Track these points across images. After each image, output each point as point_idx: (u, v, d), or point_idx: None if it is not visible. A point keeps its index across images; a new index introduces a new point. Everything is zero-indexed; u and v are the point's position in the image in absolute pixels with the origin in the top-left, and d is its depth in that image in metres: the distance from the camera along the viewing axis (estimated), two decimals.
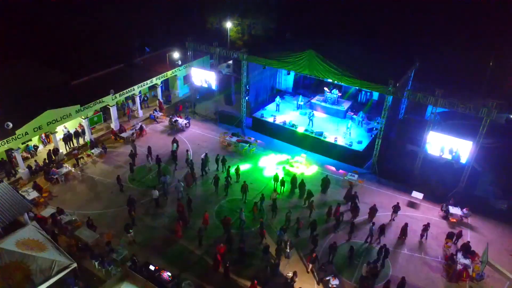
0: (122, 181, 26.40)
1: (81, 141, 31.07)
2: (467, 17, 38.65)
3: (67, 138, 29.99)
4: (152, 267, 19.59)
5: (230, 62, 44.21)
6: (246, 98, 34.11)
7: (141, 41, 40.02)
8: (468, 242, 21.84)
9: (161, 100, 37.53)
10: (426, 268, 21.45)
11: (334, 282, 19.31)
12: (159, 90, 37.21)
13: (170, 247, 22.24)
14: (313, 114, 33.07)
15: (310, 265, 20.67)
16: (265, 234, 22.46)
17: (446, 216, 24.90)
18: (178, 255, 21.76)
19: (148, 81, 35.27)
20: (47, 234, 20.23)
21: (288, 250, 21.20)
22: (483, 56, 38.64)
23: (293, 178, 26.66)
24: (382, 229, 22.50)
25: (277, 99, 36.00)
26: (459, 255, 21.25)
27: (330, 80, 30.11)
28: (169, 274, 19.36)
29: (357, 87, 30.63)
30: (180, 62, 38.28)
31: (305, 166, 29.78)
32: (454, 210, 24.72)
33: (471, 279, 20.42)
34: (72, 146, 30.35)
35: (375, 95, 39.62)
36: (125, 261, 20.53)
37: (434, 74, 35.86)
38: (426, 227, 22.59)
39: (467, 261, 20.83)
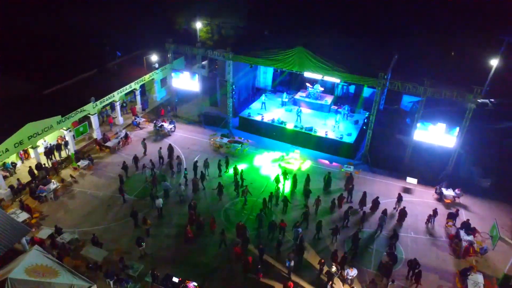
0: (125, 191, 25.15)
1: (63, 154, 28.95)
2: (433, 12, 41.10)
3: (49, 152, 27.80)
4: (175, 279, 18.82)
5: (205, 62, 43.40)
6: (233, 98, 33.75)
7: (111, 45, 37.97)
8: (468, 220, 23.36)
9: (140, 105, 36.01)
10: (434, 248, 22.66)
11: (352, 273, 19.65)
12: (138, 95, 35.64)
13: (184, 256, 21.49)
14: (300, 110, 33.47)
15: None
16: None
17: (440, 198, 26.45)
18: (195, 263, 21.09)
19: (127, 86, 33.66)
20: (54, 258, 18.77)
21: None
22: (446, 47, 41.42)
23: (294, 176, 26.82)
24: (385, 214, 23.40)
25: (263, 97, 35.99)
26: (462, 233, 22.70)
27: (319, 76, 30.66)
28: (195, 284, 18.74)
29: (347, 81, 31.22)
30: (157, 65, 36.94)
31: (300, 162, 30.10)
32: (447, 192, 26.33)
33: (476, 254, 21.92)
34: (54, 159, 28.18)
35: (352, 88, 41.11)
36: (142, 277, 19.54)
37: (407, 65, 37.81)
38: (434, 213, 23.79)
39: (470, 238, 22.32)
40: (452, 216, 24.04)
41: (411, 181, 27.82)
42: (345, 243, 22.67)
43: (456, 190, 26.20)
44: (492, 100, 36.12)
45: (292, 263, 19.96)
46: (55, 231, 21.71)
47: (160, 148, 28.96)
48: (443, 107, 32.76)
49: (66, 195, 25.63)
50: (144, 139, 30.83)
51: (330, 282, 19.40)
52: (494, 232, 19.97)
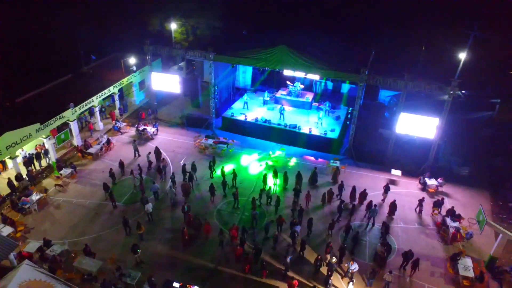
0: (114, 198, 24.49)
1: (43, 162, 27.75)
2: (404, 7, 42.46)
3: (28, 161, 26.55)
4: (176, 284, 18.53)
5: (182, 64, 42.91)
6: (215, 99, 33.56)
7: (84, 48, 36.64)
8: (453, 207, 24.43)
9: (118, 110, 35.07)
10: (424, 236, 23.53)
11: (353, 266, 20.01)
12: (116, 99, 34.70)
13: (181, 260, 21.19)
14: (283, 108, 33.73)
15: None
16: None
17: (424, 187, 27.48)
18: (193, 266, 20.84)
19: (106, 91, 32.69)
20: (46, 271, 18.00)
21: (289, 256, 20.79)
22: (418, 42, 43.00)
23: (285, 174, 27.01)
24: (375, 207, 24.05)
25: (245, 96, 35.98)
26: (448, 220, 23.72)
27: (301, 74, 31.03)
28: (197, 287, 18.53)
29: (329, 78, 31.71)
30: (135, 68, 36.10)
31: (286, 159, 30.35)
32: (430, 181, 27.39)
33: (462, 239, 22.95)
34: (33, 169, 26.96)
35: (330, 84, 41.89)
36: (141, 285, 19.09)
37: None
38: (421, 202, 24.69)
39: (456, 224, 23.36)
40: (437, 205, 25.02)
41: (396, 173, 28.76)
42: (339, 236, 23.12)
43: (439, 179, 27.31)
44: (464, 92, 37.85)
45: (288, 260, 20.12)
46: (44, 244, 20.80)
47: (149, 152, 28.51)
48: (418, 100, 34.03)
49: (50, 205, 24.59)
50: (135, 140, 30.35)
51: (330, 273, 19.74)
52: (481, 217, 20.98)
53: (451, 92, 26.31)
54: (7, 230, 21.59)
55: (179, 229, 22.84)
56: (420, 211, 24.91)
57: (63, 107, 28.74)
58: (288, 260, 19.99)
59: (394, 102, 36.54)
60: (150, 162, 28.09)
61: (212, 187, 25.02)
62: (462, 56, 33.96)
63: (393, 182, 28.07)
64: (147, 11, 46.78)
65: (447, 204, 25.68)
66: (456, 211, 24.24)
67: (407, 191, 27.32)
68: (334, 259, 20.13)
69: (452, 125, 30.64)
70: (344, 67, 29.14)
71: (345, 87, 42.18)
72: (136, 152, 29.61)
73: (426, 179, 27.50)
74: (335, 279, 20.22)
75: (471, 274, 20.17)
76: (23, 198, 23.76)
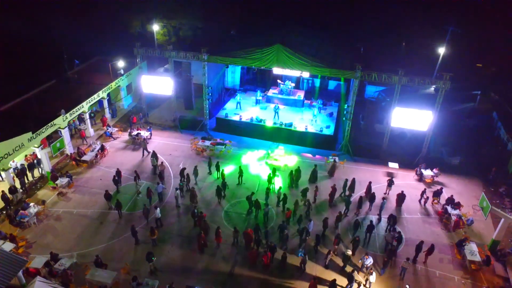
0: (121, 206, 23.71)
1: (36, 173, 26.42)
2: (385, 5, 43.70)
3: (21, 172, 25.18)
4: None
5: (167, 66, 42.05)
6: (210, 100, 33.21)
7: (67, 53, 35.16)
8: (452, 196, 25.47)
9: (108, 115, 33.96)
10: (427, 225, 24.36)
11: (368, 261, 20.34)
12: (105, 104, 33.57)
13: (196, 265, 20.84)
14: (278, 107, 33.86)
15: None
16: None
17: (421, 178, 28.46)
18: (208, 271, 20.54)
19: (95, 95, 31.55)
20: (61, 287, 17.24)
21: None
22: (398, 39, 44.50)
23: (291, 172, 27.13)
24: (373, 198, 24.92)
25: (238, 96, 35.83)
26: (449, 208, 24.70)
27: (297, 73, 31.27)
28: None
29: (324, 75, 32.02)
30: (122, 71, 35.05)
31: (286, 157, 30.48)
32: (427, 172, 28.40)
33: (464, 226, 23.97)
34: (27, 180, 25.62)
35: (317, 82, 42.48)
36: None
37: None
38: (423, 193, 25.57)
39: (457, 212, 24.36)
40: (437, 194, 25.99)
41: (393, 165, 29.61)
42: (347, 230, 23.52)
43: (434, 170, 28.35)
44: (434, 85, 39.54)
45: (300, 254, 20.36)
46: (51, 258, 19.84)
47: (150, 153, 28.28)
48: (404, 94, 35.19)
49: (50, 217, 23.46)
50: (144, 139, 30.82)
51: (345, 264, 20.24)
52: (484, 203, 21.99)
53: (446, 85, 27.33)
54: (8, 246, 20.39)
55: (189, 234, 22.53)
56: (425, 202, 25.75)
57: (52, 114, 27.49)
58: (301, 254, 20.25)
59: (382, 97, 37.54)
60: (155, 166, 27.47)
61: (219, 190, 24.77)
62: (442, 50, 35.41)
63: (391, 175, 28.86)
64: (128, 13, 45.57)
65: (445, 193, 26.72)
66: (455, 199, 25.33)
67: (405, 183, 28.15)
68: (349, 252, 20.51)
69: (438, 117, 31.90)
70: (339, 64, 29.61)
71: (332, 84, 42.97)
72: (145, 151, 29.74)
73: (422, 170, 28.49)
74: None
75: (477, 258, 21.13)
76: (20, 211, 22.52)
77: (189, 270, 20.49)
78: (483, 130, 34.74)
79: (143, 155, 29.75)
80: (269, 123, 32.82)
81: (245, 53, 29.98)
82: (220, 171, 27.03)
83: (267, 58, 29.77)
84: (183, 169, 26.72)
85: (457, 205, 24.90)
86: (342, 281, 19.79)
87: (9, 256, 17.90)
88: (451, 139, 32.52)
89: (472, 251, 21.53)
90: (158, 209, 22.88)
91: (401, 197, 25.15)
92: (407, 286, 18.72)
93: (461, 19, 39.61)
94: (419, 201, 26.03)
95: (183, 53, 31.36)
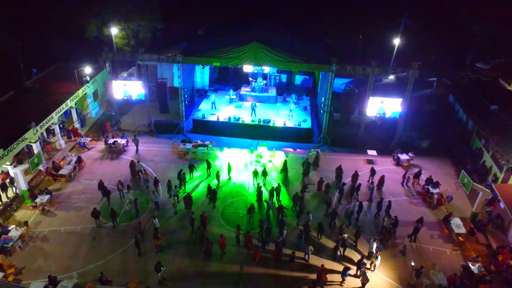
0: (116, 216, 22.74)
1: (10, 193, 24.25)
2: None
3: None
4: None
5: (132, 70, 40.52)
6: (186, 102, 32.54)
7: (23, 61, 32.47)
8: (430, 176, 27.35)
9: (77, 125, 31.97)
10: (412, 206, 26.00)
11: (375, 245, 21.03)
12: (73, 113, 31.57)
13: (203, 270, 20.49)
14: (255, 104, 34.01)
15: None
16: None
17: (398, 163, 30.22)
18: (217, 274, 20.32)
19: (64, 105, 29.58)
20: None
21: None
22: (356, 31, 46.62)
23: (284, 168, 27.52)
24: (358, 187, 25.96)
25: (213, 96, 35.45)
26: (430, 188, 26.54)
27: (276, 69, 31.66)
28: None
29: (301, 71, 32.58)
30: (88, 78, 33.16)
31: (271, 154, 30.75)
32: (403, 156, 30.20)
33: (446, 202, 25.91)
34: (1, 202, 23.45)
35: (284, 77, 43.31)
36: None
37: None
38: (404, 176, 27.21)
39: (437, 190, 26.25)
40: (416, 176, 27.79)
41: (372, 153, 31.08)
42: (345, 218, 24.38)
43: (409, 154, 30.23)
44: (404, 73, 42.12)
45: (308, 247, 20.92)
46: (49, 282, 18.44)
47: (138, 161, 27.81)
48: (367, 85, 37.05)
49: (35, 239, 21.70)
50: (135, 136, 30.49)
51: (342, 249, 21.29)
52: (465, 180, 23.93)
53: (414, 76, 29.18)
54: None
55: (190, 240, 22.09)
56: (407, 182, 27.42)
57: (21, 128, 25.40)
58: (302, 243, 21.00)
59: (349, 88, 39.08)
60: (139, 172, 26.45)
61: (214, 193, 24.49)
62: (396, 41, 37.65)
63: (371, 161, 30.32)
64: (81, 17, 42.88)
65: (423, 175, 28.61)
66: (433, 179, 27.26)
67: (384, 168, 29.71)
68: (345, 235, 21.51)
69: (402, 104, 34.03)
70: (315, 59, 30.43)
71: (299, 79, 44.00)
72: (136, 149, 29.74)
73: (399, 155, 30.26)
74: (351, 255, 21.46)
75: (463, 230, 23.00)
76: (3, 236, 20.59)
77: (198, 276, 20.11)
78: (442, 114, 37.54)
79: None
80: (247, 121, 32.90)
81: (222, 52, 29.77)
82: (212, 172, 26.81)
83: (244, 56, 29.82)
84: (180, 171, 26.22)
85: (436, 184, 26.81)
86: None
87: (8, 285, 16.43)
88: (418, 124, 34.79)
89: (458, 224, 23.37)
90: (157, 219, 22.09)
91: (381, 181, 26.70)
92: (412, 262, 19.87)
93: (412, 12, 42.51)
94: (402, 183, 27.66)
95: (156, 56, 30.39)
